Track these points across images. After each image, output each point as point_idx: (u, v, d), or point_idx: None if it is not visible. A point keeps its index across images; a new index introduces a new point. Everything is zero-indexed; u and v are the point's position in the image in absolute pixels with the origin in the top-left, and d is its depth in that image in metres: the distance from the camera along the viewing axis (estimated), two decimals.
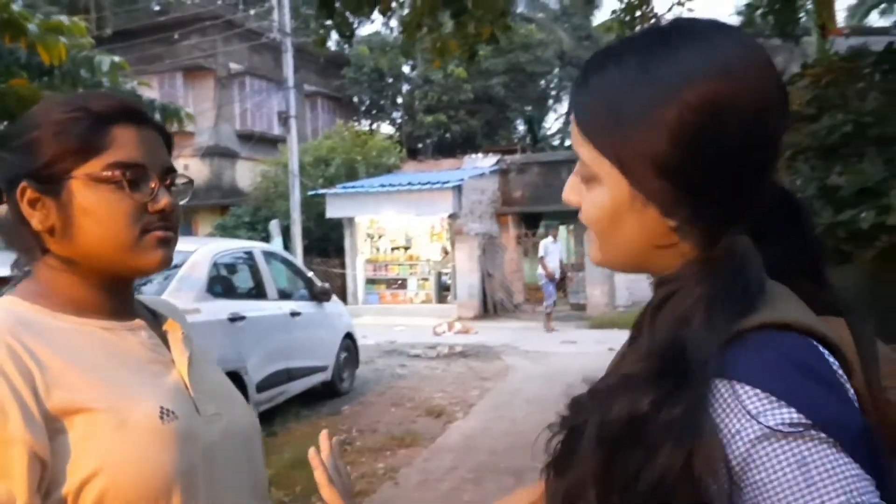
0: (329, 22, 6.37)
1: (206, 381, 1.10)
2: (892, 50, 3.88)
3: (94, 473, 0.91)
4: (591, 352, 11.65)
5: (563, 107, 31.63)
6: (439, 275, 17.50)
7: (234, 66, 21.32)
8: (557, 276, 14.68)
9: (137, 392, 0.99)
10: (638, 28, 6.53)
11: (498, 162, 18.75)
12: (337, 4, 6.15)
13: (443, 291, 17.49)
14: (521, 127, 29.61)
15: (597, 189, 0.78)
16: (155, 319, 1.14)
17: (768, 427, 0.63)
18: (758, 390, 0.65)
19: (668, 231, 0.75)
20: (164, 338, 1.10)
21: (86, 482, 0.90)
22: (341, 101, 24.95)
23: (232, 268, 7.34)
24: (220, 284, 6.68)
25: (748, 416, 0.64)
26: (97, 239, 1.01)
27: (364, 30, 29.29)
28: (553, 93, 29.66)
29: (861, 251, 3.42)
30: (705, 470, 0.64)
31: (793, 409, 0.63)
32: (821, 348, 0.70)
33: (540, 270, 14.70)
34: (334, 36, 7.45)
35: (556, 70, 27.79)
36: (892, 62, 3.89)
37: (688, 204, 0.73)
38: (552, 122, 32.13)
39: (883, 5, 15.51)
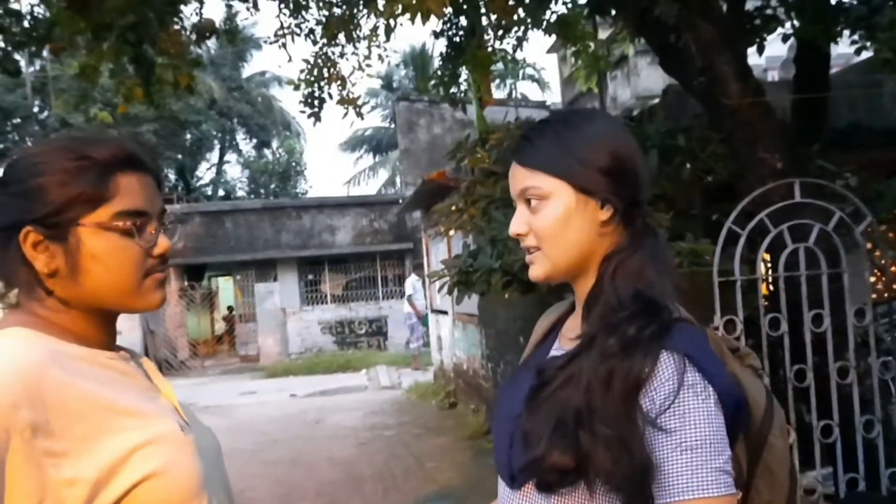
0: None
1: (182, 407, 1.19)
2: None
3: (141, 480, 0.98)
4: (273, 400, 11.72)
5: (215, 156, 31.18)
6: None
7: None
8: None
9: (154, 410, 1.07)
10: (324, 84, 7.01)
11: None
12: None
13: None
14: (172, 176, 28.43)
15: (549, 204, 1.12)
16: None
17: (689, 382, 1.02)
18: (687, 358, 1.03)
19: (599, 224, 1.13)
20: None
21: (131, 489, 0.97)
22: None
23: None
24: None
25: (680, 372, 1.02)
26: (105, 283, 1.07)
27: None
28: (206, 142, 29.05)
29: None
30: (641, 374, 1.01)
31: (700, 374, 1.03)
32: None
33: (407, 309, 14.31)
34: None
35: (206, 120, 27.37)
36: None
37: (615, 196, 1.12)
38: (205, 172, 31.43)
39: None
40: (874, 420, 3.01)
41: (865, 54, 4.23)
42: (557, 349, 1.22)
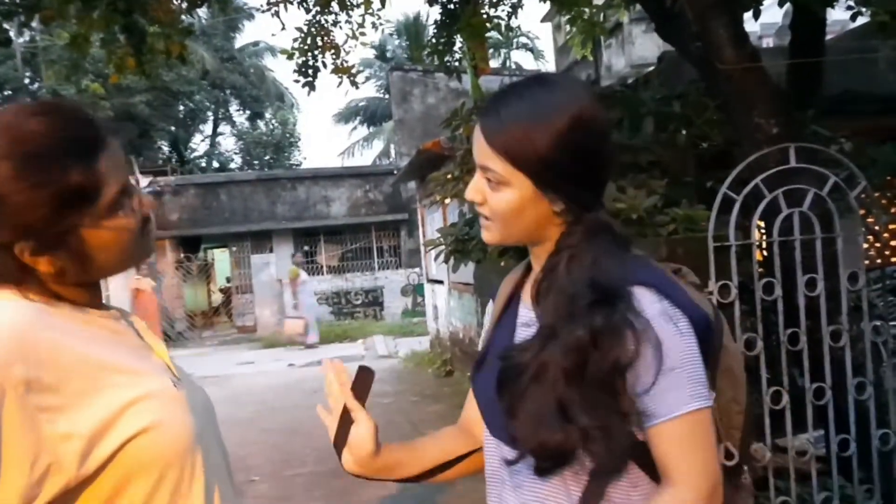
0: None
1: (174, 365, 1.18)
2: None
3: (135, 434, 0.99)
4: (271, 370, 11.81)
5: (209, 127, 30.98)
6: None
7: None
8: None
9: (146, 367, 1.08)
10: (318, 53, 6.96)
11: (150, 184, 17.75)
12: None
13: None
14: (165, 148, 28.27)
15: (506, 190, 1.13)
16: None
17: (659, 310, 1.08)
18: (653, 290, 1.10)
19: (552, 214, 1.15)
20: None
21: (125, 443, 0.98)
22: None
23: None
24: None
25: (651, 303, 1.08)
26: (113, 262, 1.08)
27: None
28: (199, 114, 28.85)
29: None
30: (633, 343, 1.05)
31: (669, 301, 1.10)
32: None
33: None
34: None
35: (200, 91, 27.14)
36: None
37: (569, 194, 1.13)
38: (199, 143, 31.24)
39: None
40: (866, 382, 3.05)
41: (861, 20, 4.21)
42: (525, 310, 1.23)
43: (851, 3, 3.99)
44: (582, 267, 1.11)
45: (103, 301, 1.15)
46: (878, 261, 4.97)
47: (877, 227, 3.86)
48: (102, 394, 0.99)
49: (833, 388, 3.03)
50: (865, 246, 4.68)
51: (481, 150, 1.14)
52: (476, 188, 1.16)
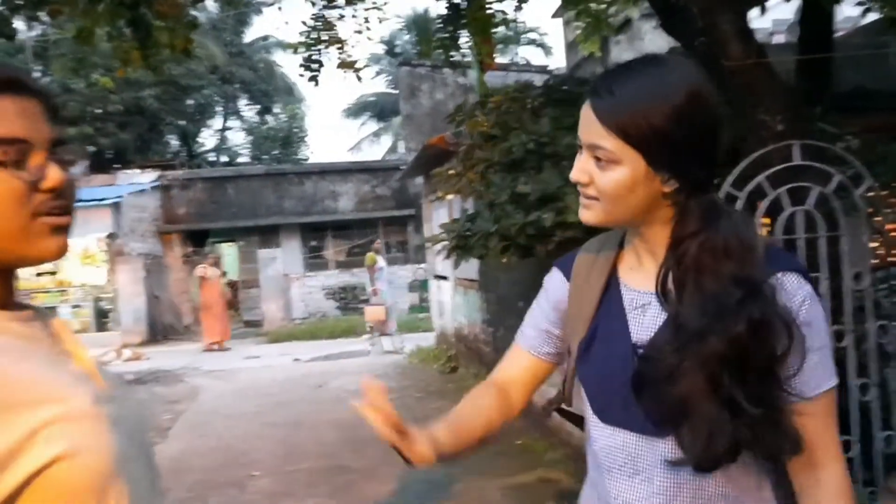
0: None
1: (100, 371, 1.04)
2: (550, 86, 4.84)
3: (46, 465, 0.84)
4: (277, 364, 11.81)
5: (218, 122, 31.03)
6: (97, 300, 16.05)
7: None
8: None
9: (62, 379, 0.92)
10: (323, 47, 6.93)
11: (159, 178, 17.81)
12: None
13: (102, 318, 16.07)
14: (174, 142, 28.34)
15: (617, 169, 1.11)
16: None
17: (808, 293, 1.14)
18: (798, 273, 1.15)
19: (661, 194, 1.13)
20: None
21: (34, 476, 0.84)
22: None
23: None
24: None
25: (800, 287, 1.14)
26: None
27: None
28: (208, 108, 28.90)
29: (542, 245, 4.22)
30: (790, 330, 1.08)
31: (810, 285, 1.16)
32: None
33: None
34: None
35: (209, 85, 27.18)
36: (549, 96, 4.85)
37: (684, 173, 1.12)
38: (207, 138, 31.30)
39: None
40: (869, 383, 3.01)
41: (871, 16, 4.15)
42: (631, 292, 1.23)
43: (862, 0, 3.93)
44: (717, 258, 1.10)
45: (14, 299, 1.00)
46: (886, 260, 4.91)
47: (883, 227, 3.80)
48: (6, 416, 0.83)
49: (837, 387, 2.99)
50: (873, 245, 4.62)
51: (592, 129, 1.13)
52: (582, 168, 1.16)
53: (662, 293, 1.16)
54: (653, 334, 1.17)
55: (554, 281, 1.39)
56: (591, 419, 1.26)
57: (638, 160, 1.11)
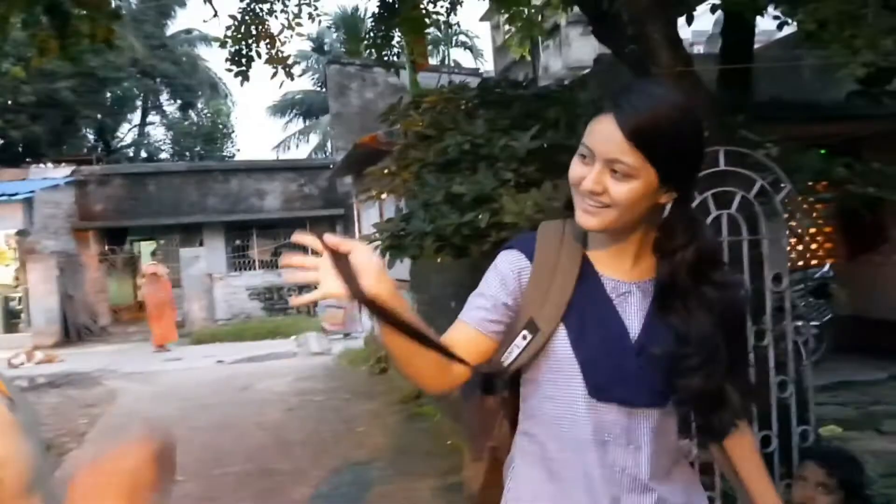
0: None
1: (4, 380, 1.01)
2: (484, 88, 4.88)
3: None
4: (200, 366, 11.49)
5: (138, 116, 30.02)
6: (7, 300, 15.29)
7: None
8: None
9: None
10: (252, 42, 6.79)
11: (73, 173, 17.07)
12: None
13: (12, 319, 15.32)
14: (91, 136, 27.26)
15: (632, 182, 1.23)
16: None
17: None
18: None
19: (654, 205, 1.28)
20: None
21: None
22: None
23: None
24: None
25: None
26: None
27: None
28: (127, 102, 27.92)
29: (477, 246, 4.24)
30: None
31: None
32: None
33: None
34: None
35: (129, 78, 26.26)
36: (484, 97, 4.88)
37: (685, 188, 1.30)
38: (126, 132, 30.24)
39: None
40: (787, 381, 3.15)
41: (787, 30, 4.35)
42: (612, 281, 1.35)
43: (778, 14, 4.11)
44: (708, 265, 1.31)
45: None
46: (800, 263, 5.16)
47: (800, 231, 3.99)
48: None
49: (757, 386, 3.12)
50: (788, 248, 4.84)
51: (614, 144, 1.22)
52: (597, 180, 1.24)
53: (663, 293, 1.31)
54: (644, 323, 1.32)
55: (512, 258, 1.40)
56: (581, 399, 1.32)
57: (652, 175, 1.23)
